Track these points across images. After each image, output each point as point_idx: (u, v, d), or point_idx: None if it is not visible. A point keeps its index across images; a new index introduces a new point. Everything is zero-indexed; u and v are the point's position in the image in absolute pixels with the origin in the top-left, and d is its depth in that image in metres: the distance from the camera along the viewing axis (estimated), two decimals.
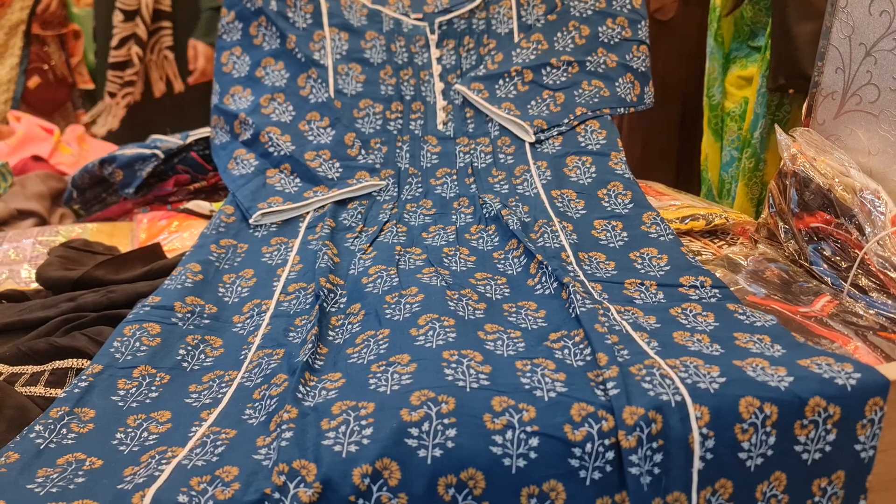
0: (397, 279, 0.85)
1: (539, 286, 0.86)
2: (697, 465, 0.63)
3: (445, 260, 0.92)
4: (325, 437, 0.60)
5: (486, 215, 1.03)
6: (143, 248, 1.05)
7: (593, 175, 1.04)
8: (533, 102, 1.21)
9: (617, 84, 1.23)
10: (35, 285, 1.02)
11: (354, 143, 1.17)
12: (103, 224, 1.25)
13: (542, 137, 1.16)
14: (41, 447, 0.64)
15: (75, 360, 0.78)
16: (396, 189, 1.12)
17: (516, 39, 1.26)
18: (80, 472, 0.61)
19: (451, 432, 0.60)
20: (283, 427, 0.62)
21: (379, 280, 0.86)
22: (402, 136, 1.21)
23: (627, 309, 0.81)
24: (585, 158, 1.09)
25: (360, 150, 1.17)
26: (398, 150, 1.19)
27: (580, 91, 1.21)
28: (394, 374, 0.66)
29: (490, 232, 1.00)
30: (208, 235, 1.00)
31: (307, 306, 0.85)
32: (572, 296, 0.80)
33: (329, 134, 1.17)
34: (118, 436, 0.66)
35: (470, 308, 0.79)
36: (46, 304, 0.91)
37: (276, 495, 0.56)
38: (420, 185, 1.13)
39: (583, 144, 1.12)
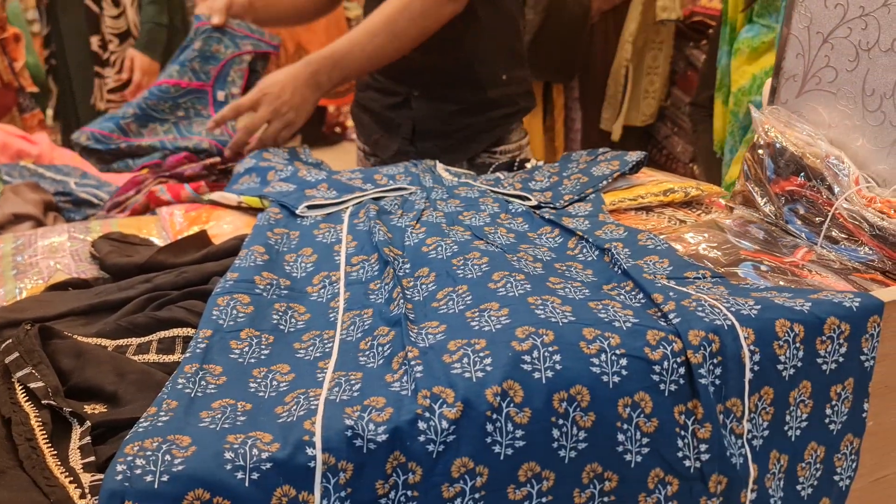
0: (456, 247, 0.96)
1: (581, 255, 0.99)
2: (748, 375, 0.78)
3: (489, 235, 1.04)
4: (452, 367, 0.71)
5: (513, 210, 1.15)
6: (192, 235, 1.12)
7: (588, 226, 1.12)
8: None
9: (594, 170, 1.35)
10: (84, 275, 1.08)
11: (383, 177, 1.29)
12: (129, 218, 1.30)
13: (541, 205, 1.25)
14: (191, 395, 0.72)
15: (180, 328, 0.86)
16: (425, 193, 1.23)
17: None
18: (238, 413, 0.69)
19: (557, 357, 0.72)
20: (412, 363, 0.72)
21: (439, 248, 0.97)
22: (424, 175, 1.32)
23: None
24: (579, 219, 1.16)
25: (389, 181, 1.28)
26: (422, 179, 1.29)
27: (563, 186, 1.31)
28: (491, 317, 0.78)
29: (519, 221, 1.12)
30: (262, 226, 1.08)
31: (376, 273, 0.95)
32: (616, 255, 0.93)
33: (360, 176, 1.29)
34: (252, 385, 0.75)
35: (530, 266, 0.91)
36: (122, 286, 0.97)
37: (427, 414, 0.67)
38: (445, 192, 1.23)
39: (573, 213, 1.19)
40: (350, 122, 4.93)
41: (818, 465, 0.85)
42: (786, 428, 0.81)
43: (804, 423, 0.83)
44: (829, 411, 0.84)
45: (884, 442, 0.95)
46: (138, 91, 2.30)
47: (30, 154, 1.93)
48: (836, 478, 0.87)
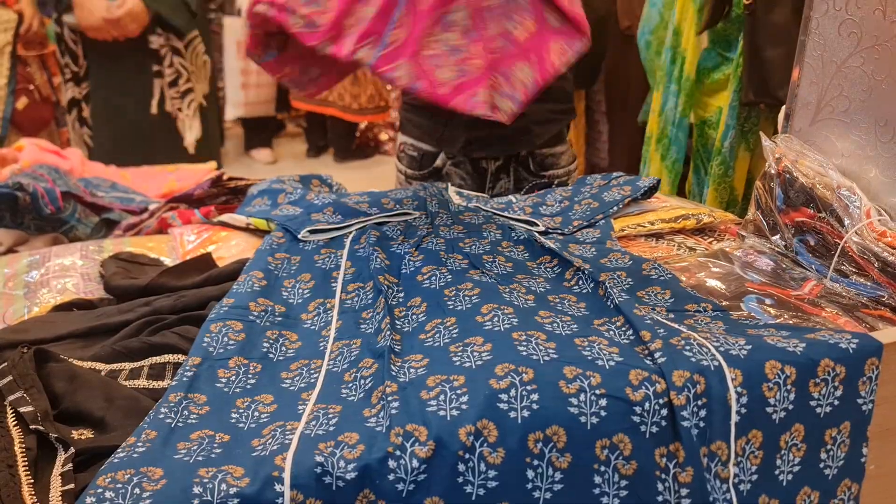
0: (450, 276, 0.96)
1: (577, 287, 0.98)
2: (734, 418, 0.76)
3: (486, 264, 1.03)
4: (427, 405, 0.70)
5: (515, 238, 1.14)
6: (196, 258, 1.13)
7: (594, 253, 1.12)
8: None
9: (605, 195, 1.32)
10: (91, 295, 1.10)
11: (390, 201, 1.29)
12: (142, 237, 1.32)
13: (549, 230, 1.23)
14: (171, 425, 0.73)
15: (171, 355, 0.87)
16: (429, 219, 1.22)
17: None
18: (215, 445, 0.70)
19: (535, 396, 0.71)
20: (389, 399, 0.72)
21: (433, 277, 0.96)
22: (431, 199, 1.31)
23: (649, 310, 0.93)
24: (586, 246, 1.16)
25: (395, 205, 1.28)
26: (428, 204, 1.29)
27: (573, 211, 1.29)
28: (473, 353, 0.77)
29: (520, 249, 1.11)
30: (263, 251, 1.09)
31: (370, 301, 0.95)
32: (609, 290, 0.92)
33: (367, 200, 1.29)
34: (234, 416, 0.76)
35: (522, 299, 0.90)
36: (122, 309, 0.99)
37: (398, 453, 0.66)
38: (450, 218, 1.23)
39: (580, 239, 1.19)
40: (384, 136, 4.96)
41: None
42: (776, 472, 0.79)
43: (796, 468, 0.80)
44: (823, 455, 0.81)
45: (887, 486, 0.92)
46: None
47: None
48: None
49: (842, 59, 1.15)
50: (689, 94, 1.78)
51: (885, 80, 1.08)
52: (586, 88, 3.40)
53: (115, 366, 0.87)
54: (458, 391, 0.71)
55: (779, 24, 1.41)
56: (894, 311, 1.01)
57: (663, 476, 0.73)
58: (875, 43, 1.09)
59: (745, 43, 1.54)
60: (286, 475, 0.64)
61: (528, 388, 0.71)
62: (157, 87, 2.44)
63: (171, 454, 0.68)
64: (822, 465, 0.82)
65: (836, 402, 0.80)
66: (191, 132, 2.48)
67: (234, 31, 4.45)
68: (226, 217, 1.29)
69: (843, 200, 1.11)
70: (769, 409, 0.77)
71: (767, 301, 1.05)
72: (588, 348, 0.78)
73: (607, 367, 0.75)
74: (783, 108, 1.32)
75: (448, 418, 0.68)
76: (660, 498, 0.73)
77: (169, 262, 1.22)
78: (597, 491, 0.71)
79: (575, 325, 0.84)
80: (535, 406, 0.70)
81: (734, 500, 0.75)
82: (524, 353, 0.75)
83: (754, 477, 0.78)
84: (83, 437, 0.77)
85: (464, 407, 0.69)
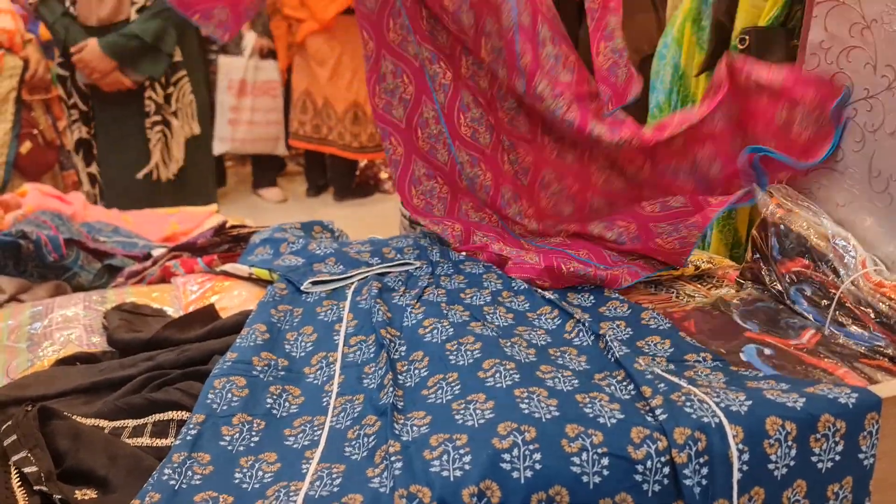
0: (452, 330, 0.96)
1: (577, 339, 0.98)
2: (737, 475, 0.76)
3: (488, 316, 1.04)
4: (431, 465, 0.71)
5: (516, 288, 1.15)
6: (200, 310, 1.14)
7: (593, 301, 1.14)
8: None
9: None
10: (95, 347, 1.10)
11: (391, 250, 1.31)
12: (144, 287, 1.33)
13: None
14: (175, 487, 0.73)
15: (174, 412, 0.87)
16: (430, 268, 1.24)
17: None
18: None
19: (537, 456, 0.71)
20: (392, 459, 0.72)
21: (435, 331, 0.97)
22: (432, 248, 1.32)
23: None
24: (585, 294, 1.17)
25: (396, 254, 1.29)
26: (429, 253, 1.30)
27: None
28: (476, 411, 0.77)
29: (521, 300, 1.12)
30: (266, 303, 1.10)
31: (372, 355, 0.96)
32: (609, 343, 0.93)
33: (369, 249, 1.31)
34: (237, 475, 0.76)
35: (523, 353, 0.91)
36: (125, 363, 0.99)
37: None
38: (451, 268, 1.24)
39: (579, 288, 1.19)
40: (384, 174, 4.98)
41: None
42: None
43: None
44: None
45: None
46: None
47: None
48: None
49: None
50: None
51: (878, 132, 1.10)
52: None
53: (118, 423, 0.87)
54: (461, 451, 0.71)
55: None
56: (892, 360, 1.02)
57: None
58: (866, 95, 1.11)
59: None
60: None
61: (531, 447, 0.71)
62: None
63: None
64: None
65: (838, 458, 0.81)
66: (151, 163, 2.45)
67: (227, 70, 4.52)
68: (228, 267, 1.30)
69: (838, 250, 1.12)
70: (771, 466, 0.77)
71: (767, 351, 1.05)
72: (590, 405, 0.78)
73: (609, 424, 0.75)
74: None
75: (451, 479, 0.69)
76: None
77: (172, 311, 1.23)
78: None
79: (576, 381, 0.85)
80: (537, 466, 0.71)
81: None
82: (526, 412, 0.76)
83: None
84: (87, 498, 0.77)
85: (467, 467, 0.70)
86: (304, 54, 4.47)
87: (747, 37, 1.49)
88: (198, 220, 2.27)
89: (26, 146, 2.49)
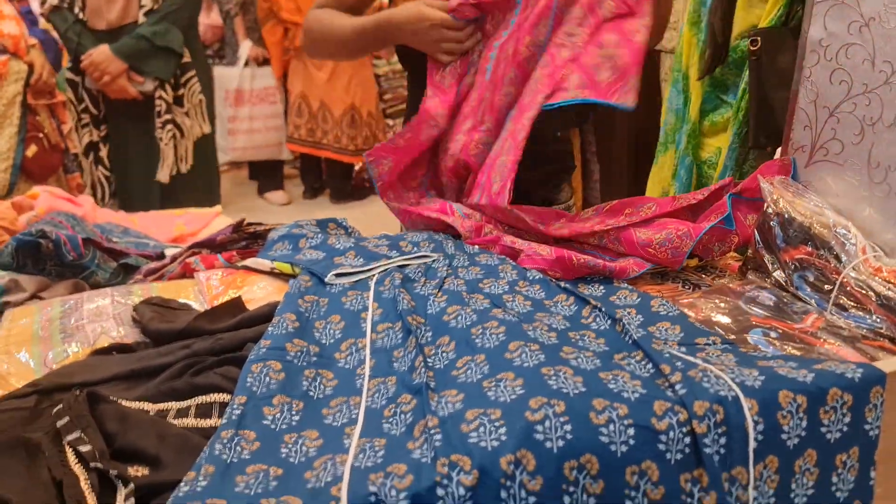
0: (475, 316, 1.01)
1: (594, 324, 1.03)
2: (752, 444, 0.81)
3: (507, 304, 1.09)
4: (469, 436, 0.75)
5: (531, 278, 1.20)
6: (228, 302, 1.18)
7: (603, 291, 1.18)
8: None
9: None
10: (126, 338, 1.14)
11: (408, 244, 1.34)
12: (168, 283, 1.37)
13: None
14: (227, 461, 0.77)
15: (217, 394, 0.91)
16: (447, 260, 1.27)
17: None
18: (271, 478, 0.75)
19: (568, 427, 0.76)
20: (432, 432, 0.77)
21: (459, 317, 1.02)
22: (447, 242, 1.36)
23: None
24: (595, 285, 1.21)
25: (413, 248, 1.33)
26: (445, 247, 1.34)
27: None
28: (506, 388, 0.82)
29: (536, 289, 1.16)
30: (293, 294, 1.14)
31: (400, 341, 1.00)
32: (627, 326, 0.98)
33: (386, 243, 1.35)
34: (283, 450, 0.80)
35: (545, 336, 0.96)
36: (161, 352, 1.04)
37: (445, 481, 0.71)
38: (467, 260, 1.28)
39: (589, 278, 1.24)
40: None
41: None
42: (792, 495, 0.84)
43: (810, 491, 0.85)
44: (835, 479, 0.87)
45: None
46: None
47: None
48: None
49: (834, 105, 1.22)
50: (691, 135, 1.86)
51: (876, 125, 1.16)
52: (579, 126, 3.49)
53: (162, 405, 0.92)
54: (496, 423, 0.76)
55: (785, 70, 1.49)
56: (893, 341, 1.07)
57: (688, 500, 0.78)
58: (865, 90, 1.17)
59: (752, 89, 1.61)
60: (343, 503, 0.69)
61: (561, 419, 0.76)
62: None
63: (231, 487, 0.73)
64: (833, 489, 0.87)
65: (846, 429, 0.86)
66: (165, 163, 2.50)
67: (222, 80, 4.55)
68: (250, 261, 1.35)
69: (839, 238, 1.17)
70: (784, 436, 0.83)
71: (772, 334, 1.10)
72: (613, 381, 0.83)
73: (632, 398, 0.80)
74: (778, 150, 1.39)
75: (489, 448, 0.74)
76: None
77: (196, 305, 1.27)
78: None
79: (598, 360, 0.90)
80: (568, 436, 0.75)
81: None
82: (555, 388, 0.81)
83: (772, 500, 0.83)
84: (139, 475, 0.81)
85: (503, 438, 0.74)
86: (301, 58, 4.52)
87: (758, 38, 1.55)
88: (204, 220, 2.31)
89: (32, 149, 2.53)
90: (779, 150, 1.38)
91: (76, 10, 2.31)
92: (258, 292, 1.27)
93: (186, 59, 2.39)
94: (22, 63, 2.47)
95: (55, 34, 2.65)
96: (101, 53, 2.27)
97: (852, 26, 1.16)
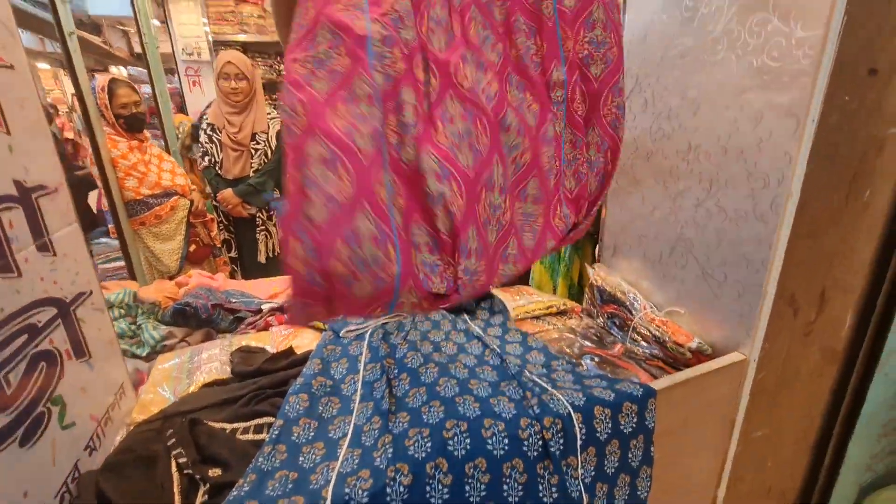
0: (422, 358, 0.94)
1: (490, 360, 0.96)
2: (579, 441, 0.74)
3: (443, 349, 0.99)
4: (408, 449, 0.68)
5: (458, 328, 1.11)
6: (283, 350, 1.10)
7: (500, 332, 1.06)
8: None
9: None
10: (225, 375, 1.06)
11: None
12: (254, 334, 1.29)
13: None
14: (264, 469, 0.69)
15: (268, 418, 0.83)
16: (412, 317, 1.15)
17: None
18: (289, 482, 0.67)
19: (468, 440, 0.69)
20: (387, 445, 0.69)
21: (413, 360, 0.94)
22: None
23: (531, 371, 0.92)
24: (496, 328, 1.10)
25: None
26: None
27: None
28: (433, 412, 0.75)
29: (461, 336, 1.07)
30: (321, 345, 1.06)
31: (378, 376, 0.93)
32: (509, 364, 0.91)
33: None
34: (301, 459, 0.72)
35: (461, 373, 0.89)
36: (240, 386, 0.95)
37: (392, 483, 0.64)
38: (424, 315, 1.14)
39: (493, 323, 1.11)
40: None
41: (627, 488, 0.80)
42: (605, 468, 0.77)
43: (616, 464, 0.79)
44: (630, 455, 0.80)
45: (662, 464, 0.90)
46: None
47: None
48: (639, 493, 0.82)
49: (628, 221, 1.18)
50: None
51: (648, 236, 1.12)
52: None
53: (235, 425, 0.83)
54: (426, 439, 0.69)
55: None
56: (664, 361, 1.02)
57: (541, 481, 0.71)
58: (653, 208, 1.13)
59: None
60: (328, 502, 0.61)
61: (464, 435, 0.70)
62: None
63: (263, 490, 0.65)
64: (629, 460, 0.80)
65: (634, 425, 0.80)
66: (261, 253, 2.44)
67: None
68: None
69: (630, 299, 1.13)
70: (597, 434, 0.76)
71: (596, 358, 1.04)
72: (497, 405, 0.77)
73: (508, 417, 0.74)
74: (597, 245, 1.35)
75: (419, 458, 0.66)
76: (541, 494, 0.71)
77: (269, 348, 1.19)
78: (505, 493, 0.69)
79: (490, 388, 0.83)
80: (468, 447, 0.69)
81: (582, 490, 0.74)
82: (462, 413, 0.74)
83: (593, 473, 0.76)
84: (215, 475, 0.73)
85: (428, 450, 0.67)
86: None
87: None
88: (286, 284, 2.23)
89: (192, 247, 2.45)
90: (597, 245, 1.33)
91: (216, 167, 2.30)
92: (304, 339, 1.19)
93: (277, 195, 2.36)
94: (186, 199, 2.40)
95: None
96: (228, 192, 2.26)
97: None
